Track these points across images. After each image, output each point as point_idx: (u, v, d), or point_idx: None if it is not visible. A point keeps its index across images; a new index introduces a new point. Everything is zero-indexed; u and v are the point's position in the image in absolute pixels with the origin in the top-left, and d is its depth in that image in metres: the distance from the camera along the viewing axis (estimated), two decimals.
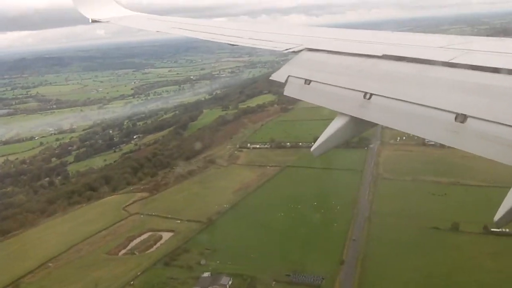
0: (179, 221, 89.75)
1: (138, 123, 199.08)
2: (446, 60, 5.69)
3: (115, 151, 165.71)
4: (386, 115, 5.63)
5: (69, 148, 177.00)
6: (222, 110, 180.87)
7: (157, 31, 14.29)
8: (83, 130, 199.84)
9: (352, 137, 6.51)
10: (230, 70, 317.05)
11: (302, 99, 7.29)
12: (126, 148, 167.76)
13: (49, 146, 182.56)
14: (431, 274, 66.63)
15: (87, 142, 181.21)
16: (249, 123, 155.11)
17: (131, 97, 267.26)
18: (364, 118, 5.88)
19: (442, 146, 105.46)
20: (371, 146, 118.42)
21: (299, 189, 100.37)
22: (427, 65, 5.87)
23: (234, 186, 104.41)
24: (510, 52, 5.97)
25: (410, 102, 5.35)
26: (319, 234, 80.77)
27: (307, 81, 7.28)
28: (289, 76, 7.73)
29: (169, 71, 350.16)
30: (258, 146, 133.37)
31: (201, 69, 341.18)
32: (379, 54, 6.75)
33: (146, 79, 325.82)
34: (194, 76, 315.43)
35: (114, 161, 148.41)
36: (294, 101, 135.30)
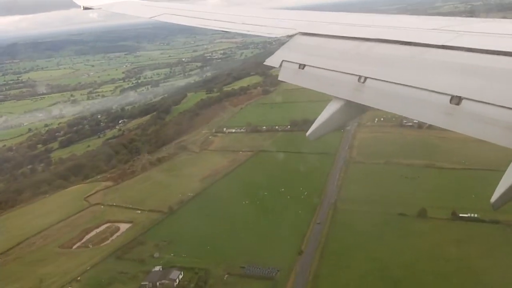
0: (139, 212, 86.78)
1: (126, 108, 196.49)
2: (441, 43, 5.59)
3: (99, 137, 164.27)
4: (381, 98, 5.58)
5: (57, 134, 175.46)
6: (206, 93, 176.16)
7: (150, 18, 14.07)
8: (72, 115, 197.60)
9: (347, 121, 6.49)
10: (222, 52, 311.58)
11: (297, 84, 7.13)
12: (110, 133, 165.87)
13: (37, 133, 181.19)
14: (390, 265, 64.11)
15: (75, 127, 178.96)
16: (229, 106, 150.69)
17: (122, 81, 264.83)
18: (358, 102, 5.84)
19: (419, 127, 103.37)
20: (348, 128, 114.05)
21: (269, 175, 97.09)
22: (421, 47, 5.78)
23: (202, 173, 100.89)
24: (504, 34, 5.85)
25: (405, 85, 5.29)
26: (281, 223, 77.63)
27: (301, 66, 7.19)
28: (283, 61, 7.60)
29: (161, 53, 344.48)
30: (234, 130, 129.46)
31: (193, 51, 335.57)
32: (374, 37, 6.69)
33: (137, 62, 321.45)
34: (186, 58, 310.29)
35: (96, 147, 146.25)
36: (277, 83, 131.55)
